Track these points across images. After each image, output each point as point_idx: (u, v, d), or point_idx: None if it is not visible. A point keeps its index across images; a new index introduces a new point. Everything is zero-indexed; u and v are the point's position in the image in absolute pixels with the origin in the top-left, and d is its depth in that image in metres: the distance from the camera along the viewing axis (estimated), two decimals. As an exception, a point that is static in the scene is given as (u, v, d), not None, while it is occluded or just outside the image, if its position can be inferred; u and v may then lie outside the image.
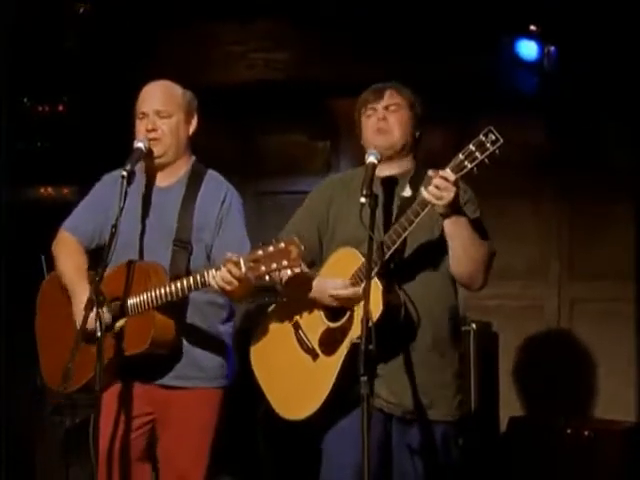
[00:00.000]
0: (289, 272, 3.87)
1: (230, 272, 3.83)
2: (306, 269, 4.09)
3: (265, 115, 7.22)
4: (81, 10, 5.88)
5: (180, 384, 4.15)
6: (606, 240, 6.87)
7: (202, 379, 4.17)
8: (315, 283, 4.05)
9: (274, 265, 3.76)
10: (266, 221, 6.53)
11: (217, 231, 4.19)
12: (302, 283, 4.06)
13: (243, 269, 3.80)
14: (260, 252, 3.78)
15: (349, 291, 3.92)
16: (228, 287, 3.87)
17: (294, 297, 4.13)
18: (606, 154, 6.74)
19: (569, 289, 7.11)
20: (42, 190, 7.06)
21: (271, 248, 3.77)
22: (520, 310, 7.12)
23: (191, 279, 3.97)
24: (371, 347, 3.50)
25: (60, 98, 7.02)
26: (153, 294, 4.02)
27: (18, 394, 6.07)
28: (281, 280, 4.08)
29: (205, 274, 3.94)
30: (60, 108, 7.06)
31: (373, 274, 3.81)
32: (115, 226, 3.92)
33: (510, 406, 6.76)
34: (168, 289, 4.00)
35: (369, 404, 3.48)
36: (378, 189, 4.04)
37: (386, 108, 4.13)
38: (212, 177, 4.31)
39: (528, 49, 6.32)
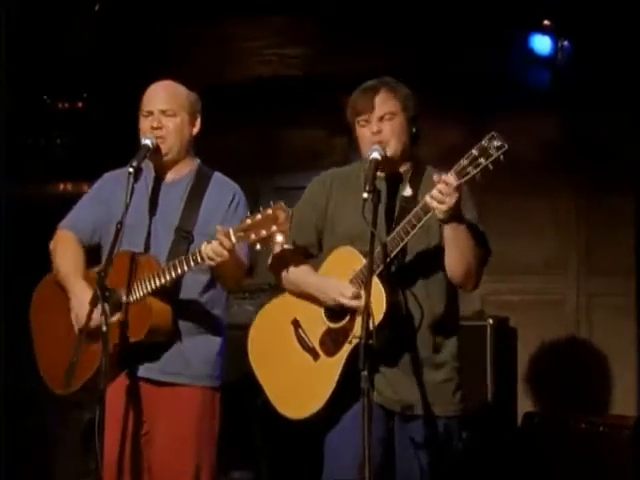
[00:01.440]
0: (280, 237, 3.89)
1: (221, 243, 3.87)
2: (290, 247, 4.09)
3: (283, 111, 7.25)
4: (97, 7, 5.93)
5: (167, 379, 4.18)
6: (624, 235, 6.85)
7: (190, 377, 4.20)
8: (314, 280, 4.05)
9: (263, 232, 3.81)
10: (284, 216, 6.56)
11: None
12: (287, 263, 4.08)
13: (233, 239, 3.85)
14: (248, 221, 3.84)
15: (356, 303, 3.89)
16: (219, 259, 3.90)
17: (279, 279, 4.14)
18: (622, 149, 6.71)
19: (587, 284, 7.10)
20: (61, 186, 7.13)
21: (259, 216, 3.82)
22: (539, 305, 7.12)
23: (183, 258, 4.02)
24: (371, 342, 3.52)
25: (79, 95, 7.11)
26: (147, 280, 4.07)
27: (37, 388, 6.11)
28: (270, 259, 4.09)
29: (197, 252, 3.98)
30: (79, 105, 7.15)
31: (374, 275, 3.82)
32: (121, 223, 3.96)
33: (528, 401, 6.77)
34: (161, 274, 4.05)
35: (369, 398, 3.50)
36: (382, 186, 4.03)
37: (380, 119, 4.01)
38: (219, 177, 4.38)
39: (542, 44, 6.31)
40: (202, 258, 3.96)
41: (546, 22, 6.10)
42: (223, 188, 4.32)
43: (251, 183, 7.53)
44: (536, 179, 7.00)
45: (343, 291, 3.92)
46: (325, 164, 7.19)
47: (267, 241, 3.89)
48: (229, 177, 4.46)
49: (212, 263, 3.96)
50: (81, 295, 4.14)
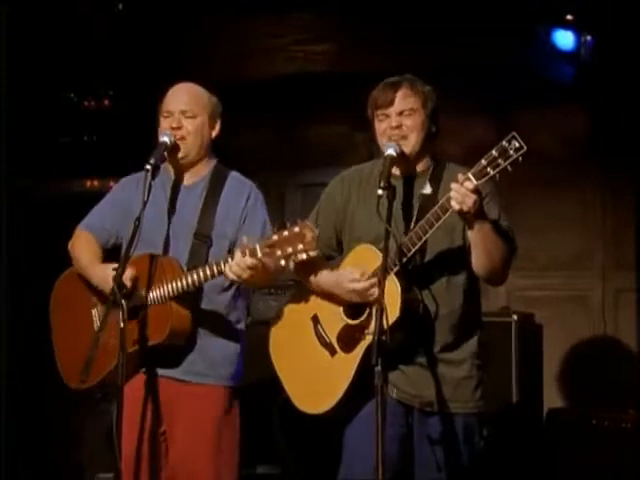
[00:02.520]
0: (304, 256, 3.84)
1: (246, 258, 3.87)
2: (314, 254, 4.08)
3: (307, 108, 7.26)
4: (120, 6, 5.97)
5: (189, 378, 4.19)
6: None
7: (211, 376, 4.21)
8: (331, 277, 4.06)
9: (290, 249, 3.79)
10: (309, 212, 6.59)
11: (241, 226, 4.24)
12: (312, 268, 4.08)
13: (259, 254, 3.85)
14: (275, 237, 3.82)
15: (367, 283, 3.92)
16: (244, 274, 3.91)
17: (304, 281, 4.15)
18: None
19: (614, 279, 7.08)
20: (88, 183, 7.19)
21: (286, 232, 3.80)
22: (565, 301, 7.11)
23: (207, 268, 4.02)
24: (384, 338, 3.54)
25: (106, 93, 7.15)
26: (170, 285, 4.08)
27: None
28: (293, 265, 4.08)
29: (221, 263, 3.98)
30: (105, 102, 7.19)
31: (392, 274, 3.85)
32: (139, 219, 3.97)
33: (554, 397, 6.75)
34: (185, 279, 4.06)
35: (383, 395, 3.51)
36: (399, 185, 4.03)
37: (399, 114, 4.02)
38: (235, 176, 4.37)
39: (565, 39, 6.28)
40: (224, 272, 3.96)
41: (569, 17, 6.08)
42: (239, 187, 4.32)
43: (276, 180, 7.61)
44: (562, 174, 6.99)
45: (354, 276, 3.94)
46: (349, 160, 7.21)
47: (291, 259, 3.86)
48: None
49: (238, 279, 3.97)
50: (105, 278, 4.13)
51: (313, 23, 6.60)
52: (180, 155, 4.25)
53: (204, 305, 4.21)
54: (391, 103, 4.03)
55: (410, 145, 4.02)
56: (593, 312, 7.07)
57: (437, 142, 4.14)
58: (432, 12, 6.25)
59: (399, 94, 4.04)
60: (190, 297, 4.13)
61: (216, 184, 4.30)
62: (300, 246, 3.78)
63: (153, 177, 4.05)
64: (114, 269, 3.97)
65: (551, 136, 6.77)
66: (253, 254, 3.86)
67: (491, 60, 6.44)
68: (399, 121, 4.02)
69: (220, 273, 3.99)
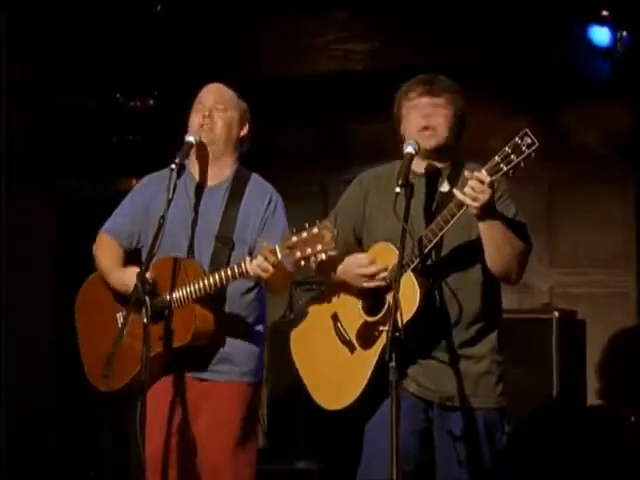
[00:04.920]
0: (323, 256, 3.89)
1: (266, 259, 3.93)
2: (335, 253, 4.12)
3: (349, 105, 7.31)
4: (158, 7, 6.06)
5: (214, 378, 4.27)
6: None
7: (235, 374, 4.28)
8: (340, 268, 4.09)
9: (309, 250, 3.84)
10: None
11: (261, 230, 4.29)
12: (333, 267, 4.11)
13: (279, 256, 3.90)
14: (295, 238, 3.87)
15: (374, 268, 3.96)
16: (264, 275, 3.96)
17: (326, 281, 4.20)
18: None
19: (654, 276, 7.05)
20: (134, 182, 7.29)
21: (305, 234, 3.85)
22: (606, 297, 7.07)
23: (229, 269, 4.07)
24: (398, 334, 3.58)
25: (151, 93, 7.26)
26: (192, 287, 4.13)
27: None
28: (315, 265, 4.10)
29: (242, 263, 4.04)
30: (151, 102, 7.30)
31: (409, 270, 3.89)
32: (163, 217, 4.03)
33: (596, 394, 6.73)
34: (207, 280, 4.11)
35: (397, 390, 3.55)
36: (420, 183, 4.07)
37: (433, 105, 4.05)
38: (257, 180, 4.42)
39: (601, 35, 6.26)
40: (247, 272, 4.02)
41: (604, 13, 6.05)
42: (260, 191, 4.37)
43: (318, 177, 7.67)
44: (603, 171, 6.97)
45: (361, 261, 3.99)
46: (389, 157, 7.26)
47: (310, 260, 3.91)
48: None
49: (257, 279, 4.04)
50: (120, 279, 4.24)
51: (352, 22, 6.65)
52: (207, 142, 4.30)
53: (226, 307, 4.27)
54: (426, 93, 4.06)
55: (438, 137, 4.06)
56: (635, 308, 7.02)
57: (461, 142, 4.16)
58: (470, 10, 6.28)
59: (433, 87, 4.07)
60: (213, 299, 4.18)
61: (238, 187, 4.35)
62: (319, 247, 3.84)
63: (179, 176, 4.11)
64: (136, 273, 4.03)
65: (591, 133, 6.74)
66: (273, 255, 3.91)
67: (528, 58, 6.43)
68: (430, 111, 4.05)
69: (241, 274, 4.04)
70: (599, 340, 6.84)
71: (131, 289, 4.04)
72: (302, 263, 3.92)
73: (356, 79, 7.02)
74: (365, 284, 4.00)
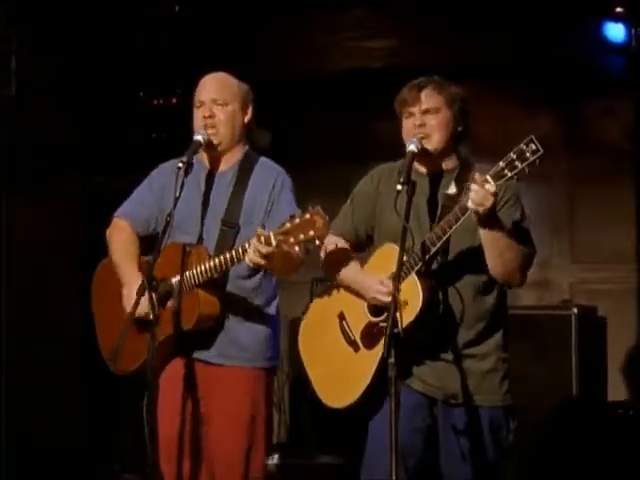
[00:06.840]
0: (317, 242, 3.94)
1: (261, 246, 3.97)
2: (346, 245, 4.21)
3: (370, 102, 7.33)
4: (177, 8, 6.12)
5: (222, 362, 4.31)
6: None
7: (243, 359, 4.32)
8: (360, 279, 4.13)
9: (301, 236, 3.89)
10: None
11: (269, 211, 4.33)
12: (339, 263, 4.17)
13: (274, 243, 3.95)
14: (288, 225, 3.93)
15: (387, 289, 3.95)
16: (262, 261, 4.01)
17: (333, 271, 4.22)
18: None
19: (677, 272, 7.02)
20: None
21: (297, 220, 3.91)
22: (628, 293, 7.07)
23: (227, 254, 4.13)
24: (397, 331, 3.62)
25: (173, 91, 7.33)
26: (193, 271, 4.19)
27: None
28: (308, 251, 4.15)
29: (239, 249, 4.09)
30: (173, 101, 7.37)
31: (412, 272, 3.93)
32: (170, 215, 4.09)
33: (616, 391, 6.71)
34: (208, 264, 4.17)
35: (396, 387, 3.59)
36: (424, 183, 4.11)
37: (424, 112, 4.08)
38: (264, 162, 4.45)
39: (615, 31, 6.25)
40: (242, 259, 4.07)
41: (619, 9, 6.05)
42: (266, 172, 4.40)
43: (341, 173, 7.65)
44: (624, 166, 6.95)
45: (379, 288, 4.00)
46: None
47: (302, 245, 3.97)
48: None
49: (256, 266, 4.08)
50: (130, 283, 4.29)
51: (369, 19, 6.68)
52: (214, 143, 4.35)
53: (232, 290, 4.30)
54: (417, 101, 4.09)
55: (433, 143, 4.07)
56: (657, 305, 7.03)
57: (466, 142, 4.18)
58: (488, 7, 6.29)
59: (424, 93, 4.09)
60: (217, 283, 4.23)
61: (245, 171, 4.38)
62: (311, 232, 3.88)
63: (186, 174, 4.16)
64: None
65: (613, 128, 6.74)
66: (268, 242, 3.96)
67: (544, 53, 6.43)
68: (423, 119, 4.07)
69: (239, 259, 4.10)
70: (620, 336, 6.81)
71: (131, 301, 4.11)
72: (297, 249, 3.98)
73: (374, 76, 7.04)
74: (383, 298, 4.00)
